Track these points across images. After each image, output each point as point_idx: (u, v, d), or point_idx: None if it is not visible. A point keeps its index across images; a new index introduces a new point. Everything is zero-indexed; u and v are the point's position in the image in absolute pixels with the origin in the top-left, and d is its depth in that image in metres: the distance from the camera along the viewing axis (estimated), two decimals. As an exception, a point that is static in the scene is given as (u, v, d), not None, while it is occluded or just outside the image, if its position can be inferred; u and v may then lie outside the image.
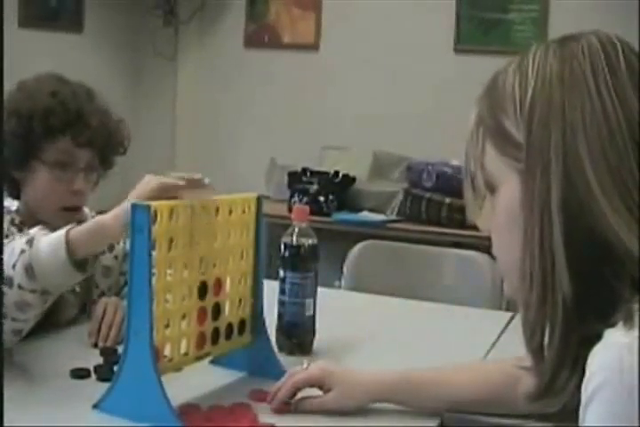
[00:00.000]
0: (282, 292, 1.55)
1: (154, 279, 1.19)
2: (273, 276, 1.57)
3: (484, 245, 0.97)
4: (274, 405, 1.27)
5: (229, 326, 1.38)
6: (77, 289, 1.73)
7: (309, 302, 1.55)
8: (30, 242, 1.31)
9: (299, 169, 4.11)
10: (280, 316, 1.56)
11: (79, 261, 1.30)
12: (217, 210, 1.32)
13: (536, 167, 0.81)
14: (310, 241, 1.53)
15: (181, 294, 1.26)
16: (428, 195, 3.76)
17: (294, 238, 1.53)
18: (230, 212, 1.36)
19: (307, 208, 1.57)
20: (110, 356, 1.44)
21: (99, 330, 1.55)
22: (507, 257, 0.89)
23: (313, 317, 1.57)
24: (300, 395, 1.28)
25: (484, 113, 0.88)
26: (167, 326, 1.24)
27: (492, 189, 0.88)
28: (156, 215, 1.18)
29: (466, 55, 4.23)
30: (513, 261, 0.85)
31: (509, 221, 0.85)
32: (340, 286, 2.40)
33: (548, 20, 4.09)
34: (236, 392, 1.33)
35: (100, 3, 4.60)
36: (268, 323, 1.46)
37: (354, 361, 1.50)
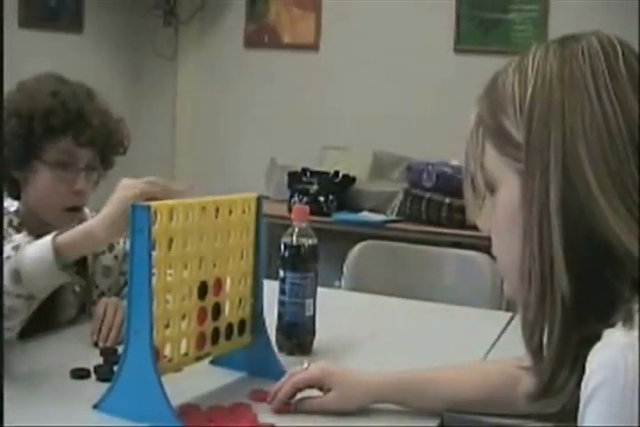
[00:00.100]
0: (282, 292, 1.55)
1: (154, 279, 1.19)
2: (273, 276, 1.57)
3: (484, 246, 0.97)
4: (274, 405, 1.27)
5: (229, 327, 1.38)
6: (77, 289, 1.73)
7: (309, 302, 1.55)
8: (16, 248, 1.32)
9: (299, 169, 4.11)
10: (280, 316, 1.56)
11: (65, 265, 1.33)
12: (217, 210, 1.32)
13: (535, 167, 0.81)
14: (310, 241, 1.53)
15: (181, 294, 1.26)
16: (427, 195, 3.76)
17: (294, 238, 1.53)
18: (230, 212, 1.35)
19: (307, 208, 1.57)
20: (110, 356, 1.44)
21: (100, 330, 1.55)
22: (506, 257, 0.89)
23: (313, 317, 1.57)
24: (299, 395, 1.28)
25: (484, 113, 0.88)
26: (167, 326, 1.24)
27: (491, 189, 0.88)
28: (155, 215, 1.18)
29: (466, 55, 4.23)
30: (512, 262, 0.85)
31: (509, 221, 0.85)
32: (339, 286, 2.40)
33: (547, 20, 4.09)
34: (235, 392, 1.33)
35: (100, 3, 4.60)
36: (267, 323, 1.46)
37: (354, 361, 1.50)
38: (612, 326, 0.77)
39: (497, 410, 1.26)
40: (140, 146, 4.30)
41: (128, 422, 1.18)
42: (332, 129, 4.50)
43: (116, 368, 1.23)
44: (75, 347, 1.54)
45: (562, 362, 0.82)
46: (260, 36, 4.71)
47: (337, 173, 4.04)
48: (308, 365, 1.30)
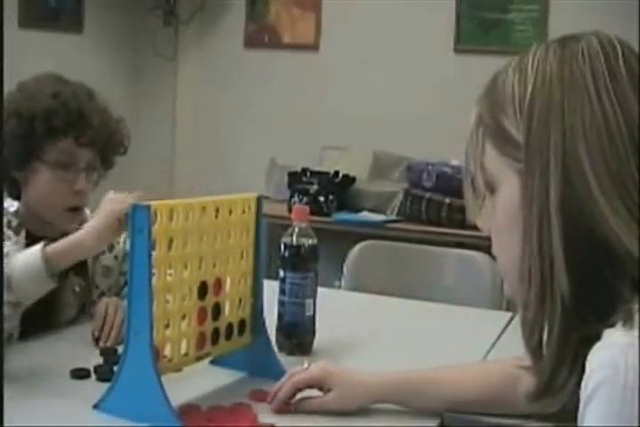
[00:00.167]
0: (282, 292, 1.55)
1: (154, 279, 1.19)
2: (273, 276, 1.57)
3: (485, 245, 0.97)
4: (274, 405, 1.27)
5: (229, 327, 1.38)
6: (77, 289, 1.73)
7: (309, 302, 1.55)
8: (6, 256, 1.34)
9: (299, 169, 4.11)
10: (280, 316, 1.56)
11: (54, 273, 1.38)
12: (217, 210, 1.33)
13: (535, 167, 0.81)
14: (310, 241, 1.53)
15: (181, 294, 1.26)
16: (428, 195, 3.76)
17: (294, 238, 1.53)
18: (230, 212, 1.36)
19: (307, 208, 1.57)
20: (110, 356, 1.44)
21: (101, 329, 1.55)
22: (506, 257, 0.89)
23: (313, 317, 1.57)
24: (300, 395, 1.28)
25: (484, 113, 0.88)
26: (167, 326, 1.24)
27: (491, 189, 0.88)
28: (155, 215, 1.19)
29: (466, 55, 4.23)
30: (512, 261, 0.85)
31: (509, 221, 0.85)
32: (339, 287, 2.40)
33: (547, 20, 4.09)
34: (236, 392, 1.33)
35: (100, 3, 4.59)
36: (267, 323, 1.46)
37: (354, 361, 1.50)
38: (611, 325, 0.77)
39: (497, 410, 1.26)
40: (140, 146, 4.29)
41: (128, 423, 1.18)
42: (332, 129, 4.50)
43: (116, 368, 1.23)
44: (75, 347, 1.54)
45: (561, 362, 0.82)
46: (260, 36, 4.71)
47: (337, 173, 4.04)
48: (308, 365, 1.30)
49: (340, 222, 3.87)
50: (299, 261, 1.53)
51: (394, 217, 3.90)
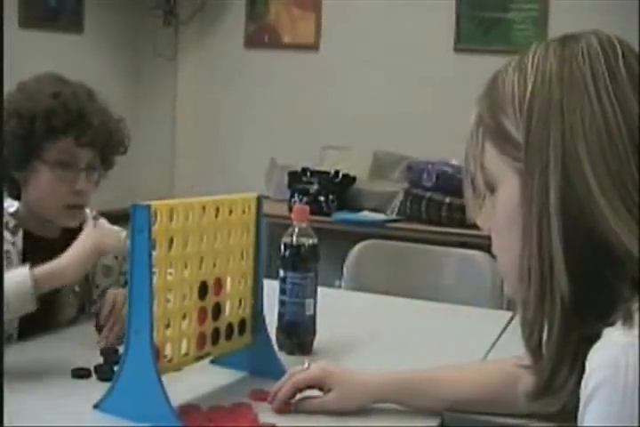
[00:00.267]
0: (282, 292, 1.55)
1: (154, 279, 1.19)
2: (273, 276, 1.57)
3: (485, 245, 0.97)
4: (274, 405, 1.27)
5: (230, 326, 1.38)
6: (77, 289, 1.73)
7: (310, 301, 1.55)
8: None
9: (299, 169, 4.11)
10: (280, 316, 1.56)
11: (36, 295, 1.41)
12: (217, 210, 1.32)
13: (535, 167, 0.81)
14: (310, 241, 1.53)
15: (182, 293, 1.26)
16: (428, 194, 3.76)
17: (294, 238, 1.53)
18: (230, 212, 1.35)
19: (307, 208, 1.57)
20: (111, 356, 1.45)
21: (106, 319, 1.56)
22: (506, 256, 0.89)
23: (313, 316, 1.57)
24: (300, 396, 1.28)
25: (484, 112, 0.88)
26: (167, 326, 1.24)
27: (491, 188, 0.88)
28: (156, 215, 1.19)
29: (466, 55, 4.23)
30: (512, 261, 0.85)
31: (509, 220, 0.85)
32: (340, 286, 2.40)
33: (547, 19, 4.10)
34: (236, 392, 1.33)
35: (100, 3, 4.60)
36: (268, 323, 1.46)
37: (354, 361, 1.50)
38: (611, 325, 0.76)
39: (497, 409, 1.26)
40: (140, 146, 4.30)
41: (128, 422, 1.18)
42: (332, 129, 4.50)
43: (116, 368, 1.23)
44: (75, 347, 1.54)
45: (561, 361, 0.82)
46: (260, 36, 4.71)
47: (337, 172, 4.04)
48: (309, 364, 1.30)
49: (340, 222, 3.87)
50: (299, 260, 1.53)
51: (394, 217, 3.90)
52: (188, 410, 1.23)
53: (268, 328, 1.45)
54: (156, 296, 1.19)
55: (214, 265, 1.33)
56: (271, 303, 1.52)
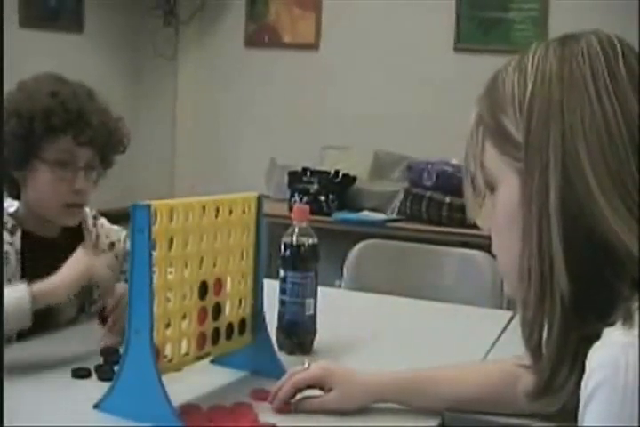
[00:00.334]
0: (282, 291, 1.55)
1: (154, 279, 1.19)
2: (273, 275, 1.57)
3: (486, 244, 0.97)
4: (275, 404, 1.27)
5: (230, 326, 1.38)
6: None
7: (310, 301, 1.55)
8: None
9: (299, 169, 4.11)
10: (280, 315, 1.56)
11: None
12: (217, 210, 1.33)
13: (535, 167, 0.81)
14: (310, 241, 1.53)
15: (182, 293, 1.26)
16: (428, 194, 3.76)
17: (294, 238, 1.53)
18: (230, 212, 1.35)
19: (307, 208, 1.57)
20: (111, 355, 1.44)
21: (113, 309, 1.55)
22: (506, 256, 0.89)
23: (313, 316, 1.57)
24: (300, 395, 1.28)
25: (484, 112, 0.88)
26: (168, 325, 1.24)
27: (491, 188, 0.88)
28: (156, 215, 1.18)
29: (466, 54, 4.23)
30: (512, 261, 0.85)
31: (509, 220, 0.85)
32: (340, 286, 2.40)
33: (547, 19, 4.09)
34: (236, 392, 1.33)
35: (100, 3, 4.60)
36: (268, 322, 1.46)
37: (354, 361, 1.50)
38: (611, 324, 0.77)
39: (497, 409, 1.26)
40: (140, 146, 4.30)
41: (129, 422, 1.18)
42: (332, 129, 4.50)
43: (116, 368, 1.23)
44: (75, 347, 1.54)
45: (561, 361, 0.82)
46: (261, 35, 4.71)
47: (337, 172, 4.04)
48: (309, 364, 1.30)
49: (340, 222, 3.87)
50: (299, 260, 1.53)
51: (394, 216, 3.90)
52: (188, 410, 1.23)
53: (269, 328, 1.45)
54: (157, 296, 1.19)
55: (214, 265, 1.33)
56: (271, 303, 1.52)
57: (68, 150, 1.64)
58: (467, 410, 1.27)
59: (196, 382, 1.35)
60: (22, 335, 1.56)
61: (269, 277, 1.52)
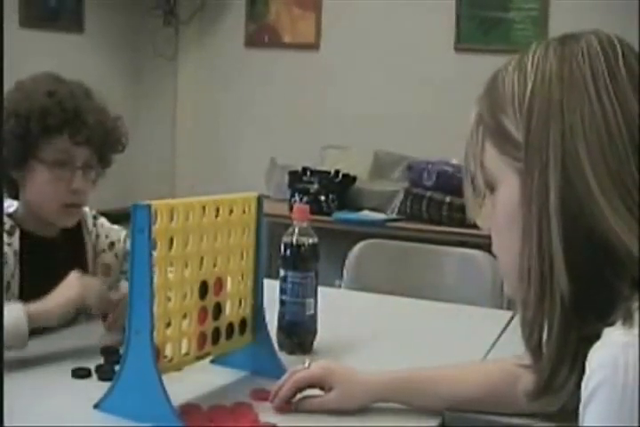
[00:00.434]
0: (282, 291, 1.55)
1: (154, 279, 1.19)
2: (274, 275, 1.58)
3: (486, 244, 0.97)
4: (275, 404, 1.27)
5: (230, 326, 1.38)
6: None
7: (310, 301, 1.55)
8: None
9: (299, 169, 4.11)
10: (281, 315, 1.56)
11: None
12: (217, 209, 1.33)
13: (535, 167, 0.81)
14: (311, 240, 1.53)
15: (182, 293, 1.26)
16: (428, 194, 3.76)
17: (295, 238, 1.53)
18: (230, 212, 1.36)
19: (307, 208, 1.57)
20: (111, 355, 1.44)
21: (115, 307, 1.55)
22: (506, 256, 0.89)
23: (314, 316, 1.57)
24: (301, 395, 1.28)
25: (484, 112, 0.88)
26: (168, 325, 1.24)
27: (491, 187, 0.88)
28: (156, 215, 1.18)
29: (466, 54, 4.23)
30: (512, 260, 0.85)
31: (509, 220, 0.85)
32: (340, 286, 2.40)
33: (548, 18, 4.09)
34: (237, 392, 1.33)
35: (100, 3, 4.60)
36: (268, 322, 1.46)
37: (354, 360, 1.50)
38: (611, 324, 0.77)
39: (497, 409, 1.26)
40: (140, 146, 4.31)
41: (129, 422, 1.18)
42: (332, 129, 4.50)
43: (116, 368, 1.23)
44: (75, 347, 1.54)
45: (561, 360, 0.82)
46: (261, 35, 4.71)
47: (337, 172, 4.04)
48: (309, 364, 1.30)
49: (340, 222, 3.87)
50: (299, 260, 1.53)
51: (394, 216, 3.90)
52: (188, 410, 1.24)
53: (269, 328, 1.45)
54: (157, 296, 1.19)
55: (214, 265, 1.33)
56: (271, 303, 1.52)
57: (65, 150, 1.64)
58: (467, 410, 1.27)
59: (196, 382, 1.35)
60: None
61: (269, 277, 1.52)
